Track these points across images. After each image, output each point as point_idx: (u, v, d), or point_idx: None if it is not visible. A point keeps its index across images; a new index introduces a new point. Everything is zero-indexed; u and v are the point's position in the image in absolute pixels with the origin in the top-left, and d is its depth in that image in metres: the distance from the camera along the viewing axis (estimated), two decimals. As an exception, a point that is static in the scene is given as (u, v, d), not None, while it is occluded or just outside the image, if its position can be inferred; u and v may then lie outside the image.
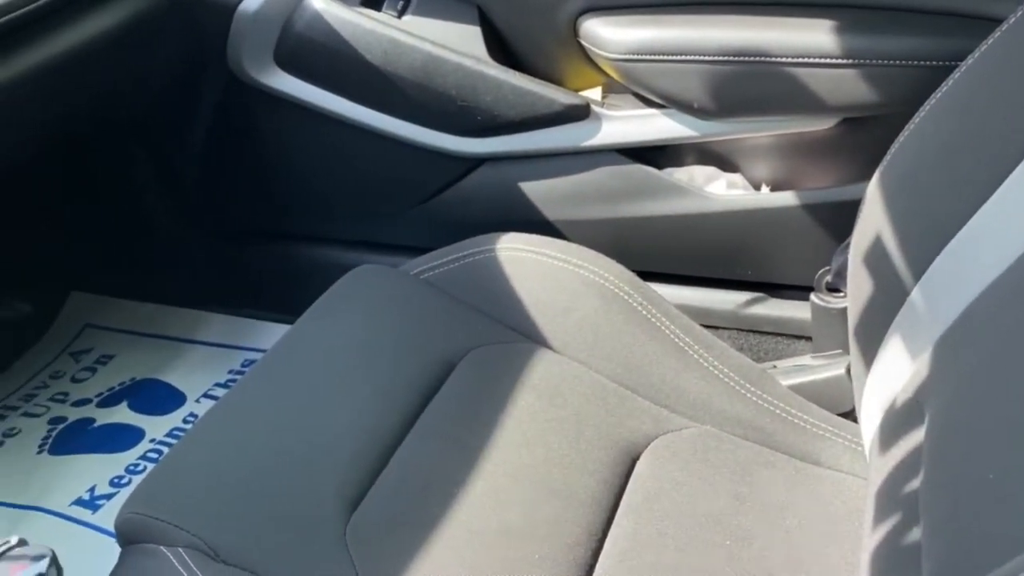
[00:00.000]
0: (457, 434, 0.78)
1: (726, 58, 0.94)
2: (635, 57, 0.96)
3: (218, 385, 1.22)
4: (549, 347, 0.88)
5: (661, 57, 0.96)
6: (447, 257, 0.95)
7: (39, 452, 1.12)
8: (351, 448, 0.75)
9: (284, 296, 1.28)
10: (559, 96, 1.01)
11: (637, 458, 0.80)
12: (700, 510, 0.76)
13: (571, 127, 1.02)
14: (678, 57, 0.96)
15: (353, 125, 1.07)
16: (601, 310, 0.89)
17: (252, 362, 1.26)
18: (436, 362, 0.84)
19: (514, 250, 0.93)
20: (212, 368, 1.24)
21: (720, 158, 1.04)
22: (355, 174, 1.13)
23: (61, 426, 1.17)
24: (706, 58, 0.95)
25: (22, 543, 0.42)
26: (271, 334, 1.28)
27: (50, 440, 1.14)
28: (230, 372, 1.24)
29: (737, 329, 1.07)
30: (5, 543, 0.42)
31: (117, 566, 0.67)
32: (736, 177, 1.04)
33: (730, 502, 0.77)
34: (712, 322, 1.05)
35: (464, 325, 0.89)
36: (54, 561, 0.41)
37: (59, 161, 1.29)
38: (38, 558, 0.41)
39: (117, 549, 0.94)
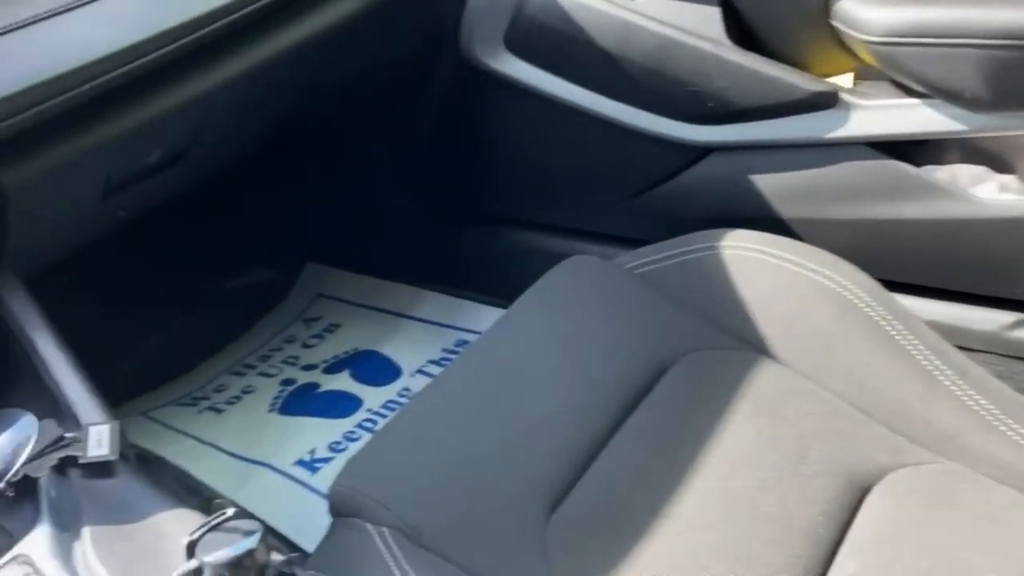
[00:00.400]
0: (667, 442, 0.74)
1: (1008, 42, 0.82)
2: (898, 40, 0.85)
3: (431, 362, 1.25)
4: (773, 357, 0.81)
5: (929, 40, 0.85)
6: (666, 252, 0.90)
7: (270, 411, 1.21)
8: (556, 444, 0.73)
9: (499, 279, 1.29)
10: (803, 82, 0.93)
11: (868, 491, 0.72)
12: (941, 559, 0.67)
13: (815, 116, 0.93)
14: (950, 40, 0.84)
15: (579, 111, 1.04)
16: (836, 321, 0.80)
17: (464, 342, 1.28)
18: (648, 363, 0.80)
19: (741, 248, 0.86)
20: (427, 345, 1.27)
21: (991, 157, 0.91)
22: (577, 161, 1.10)
23: (291, 388, 1.25)
24: (984, 42, 0.82)
25: (237, 515, 0.43)
26: (484, 316, 1.30)
27: (280, 400, 1.23)
28: (443, 350, 1.27)
29: (998, 354, 0.93)
30: (221, 514, 0.43)
31: (326, 537, 0.70)
32: (1010, 179, 0.90)
33: (979, 554, 0.67)
34: (968, 344, 0.93)
35: (680, 326, 0.84)
36: (264, 538, 0.42)
37: (300, 140, 1.38)
38: (249, 533, 0.42)
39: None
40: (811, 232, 0.96)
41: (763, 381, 0.79)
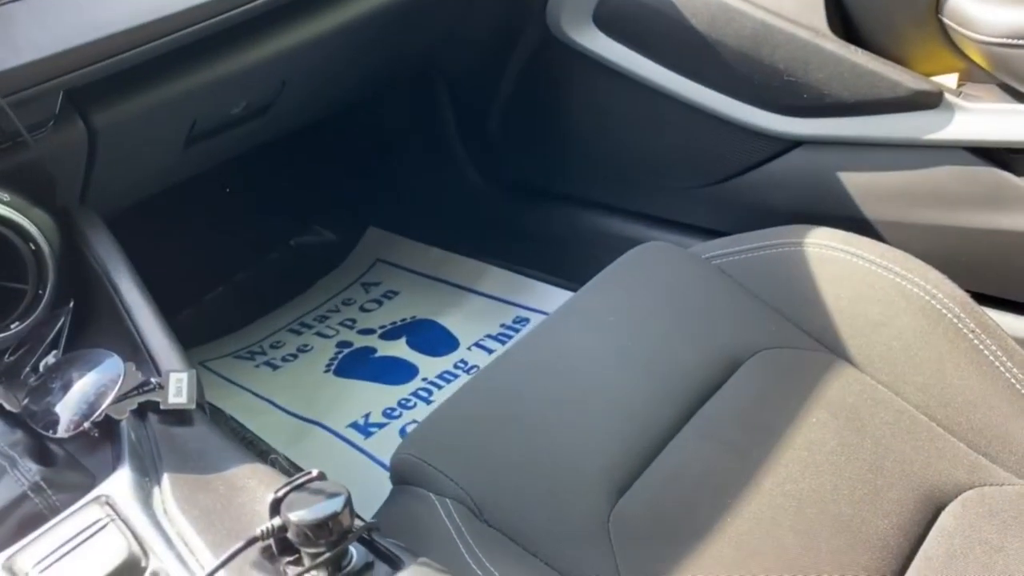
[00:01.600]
0: (737, 439, 0.72)
1: None
2: (1014, 42, 0.81)
3: (489, 337, 1.24)
4: (851, 362, 0.78)
5: (1047, 44, 0.80)
6: (746, 244, 0.87)
7: (326, 371, 1.21)
8: (623, 432, 0.71)
9: (563, 259, 1.28)
10: (906, 79, 0.89)
11: (943, 508, 0.70)
12: (1017, 585, 0.65)
13: (915, 116, 0.89)
14: (1069, 45, 0.80)
15: (664, 93, 1.02)
16: (922, 330, 0.78)
17: (523, 319, 1.26)
18: (721, 357, 0.78)
19: (825, 247, 0.84)
20: (486, 319, 1.26)
21: (1099, 171, 0.86)
22: (658, 145, 1.08)
23: (347, 351, 1.25)
24: (1104, 48, 0.78)
25: (321, 477, 0.43)
26: (545, 295, 1.28)
27: (336, 362, 1.23)
28: (502, 326, 1.26)
29: (1088, 377, 0.89)
30: (307, 474, 0.43)
31: (387, 502, 0.70)
32: (1116, 196, 0.86)
33: (1056, 584, 0.65)
34: (1058, 365, 0.89)
35: (756, 321, 0.82)
36: (348, 503, 0.41)
37: (376, 103, 1.37)
38: (334, 495, 0.41)
39: (381, 475, 1.00)
40: (899, 236, 0.93)
41: (840, 385, 0.76)
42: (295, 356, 1.26)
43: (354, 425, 1.10)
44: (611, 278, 0.87)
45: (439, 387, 1.16)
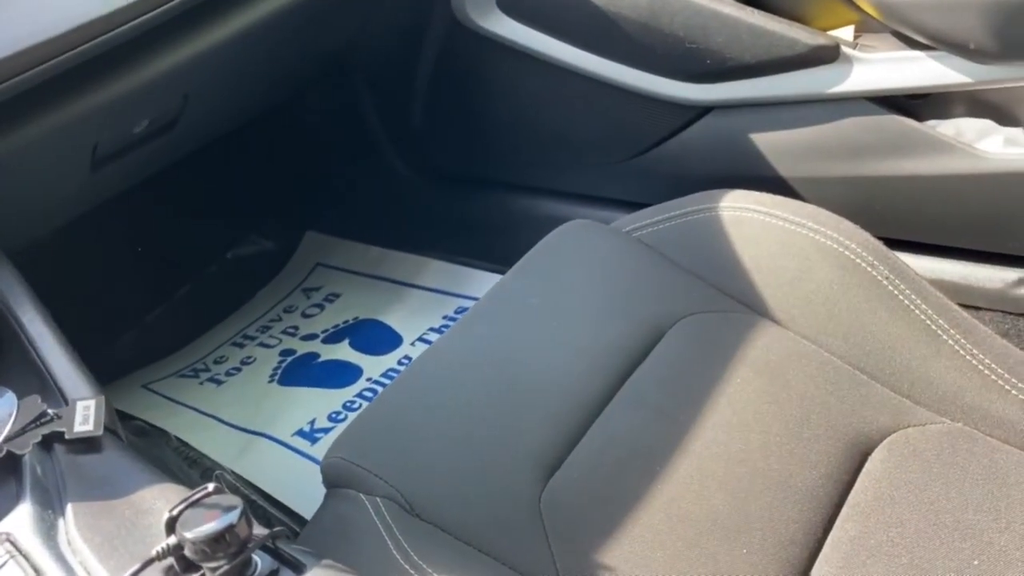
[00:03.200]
0: (664, 406, 0.73)
1: (1017, -12, 0.78)
2: (901, -11, 0.83)
3: (432, 330, 1.24)
4: (773, 320, 0.79)
5: (934, -11, 0.82)
6: (664, 215, 0.88)
7: (270, 381, 1.20)
8: (551, 410, 0.72)
9: (496, 245, 1.28)
10: (803, 36, 0.90)
11: (869, 453, 0.71)
12: (944, 520, 0.66)
13: (815, 71, 0.90)
14: (955, -11, 0.81)
15: (573, 71, 1.02)
16: (838, 281, 0.79)
17: (465, 309, 1.26)
18: (645, 327, 0.79)
19: (740, 209, 0.85)
20: (428, 313, 1.26)
21: (997, 110, 0.88)
22: (574, 123, 1.08)
23: (290, 359, 1.24)
24: (990, -11, 0.79)
25: (217, 491, 0.43)
26: (485, 283, 1.28)
27: (280, 371, 1.22)
28: (444, 318, 1.26)
29: (1003, 312, 0.91)
30: (202, 489, 0.43)
31: (320, 508, 0.70)
32: (1016, 132, 0.88)
33: (983, 515, 0.66)
34: (973, 302, 0.91)
35: (678, 289, 0.83)
36: (244, 513, 0.41)
37: (295, 107, 1.36)
38: (230, 508, 0.41)
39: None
40: (813, 191, 0.94)
41: (763, 343, 0.77)
42: (239, 369, 1.25)
43: (300, 432, 1.10)
44: (533, 260, 0.87)
45: (383, 385, 1.15)
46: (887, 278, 0.79)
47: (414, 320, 1.27)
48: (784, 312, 0.80)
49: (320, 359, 1.22)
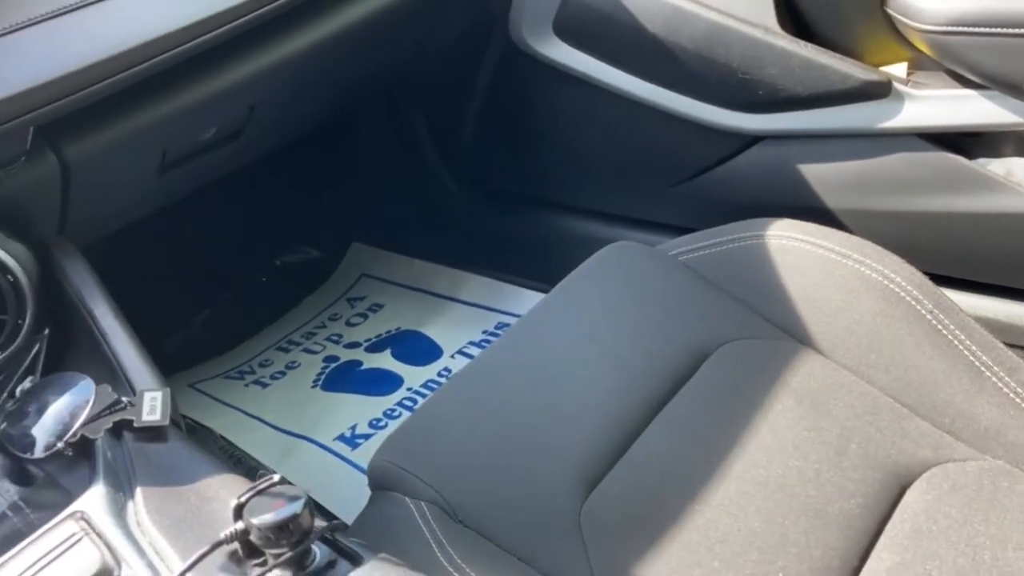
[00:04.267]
0: (704, 430, 0.74)
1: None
2: (956, 29, 0.84)
3: (472, 344, 1.26)
4: (815, 349, 0.80)
5: (986, 30, 0.83)
6: (710, 240, 0.89)
7: (313, 386, 1.23)
8: (593, 427, 0.73)
9: (541, 263, 1.30)
10: (856, 71, 0.91)
11: (908, 486, 0.72)
12: (983, 557, 0.66)
13: (867, 106, 0.91)
14: (1008, 30, 0.82)
15: (626, 97, 1.04)
16: (882, 314, 0.79)
17: (505, 325, 1.28)
18: (688, 350, 0.80)
19: (786, 238, 0.86)
20: (468, 327, 1.28)
21: (1049, 150, 0.88)
22: (622, 147, 1.10)
23: (333, 365, 1.27)
24: (1044, 31, 0.80)
25: (283, 482, 0.45)
26: (526, 300, 1.30)
27: (323, 376, 1.25)
28: (484, 332, 1.28)
29: (1049, 352, 0.91)
30: (268, 479, 0.45)
31: (365, 509, 0.72)
32: (1068, 173, 0.88)
33: (1020, 553, 0.66)
34: (1018, 341, 0.91)
35: (722, 314, 0.84)
36: (308, 504, 0.43)
37: (349, 121, 1.39)
38: (294, 499, 0.43)
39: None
40: (859, 224, 0.95)
41: (805, 372, 0.78)
42: (283, 373, 1.28)
43: (341, 437, 1.12)
44: (579, 279, 0.89)
45: (423, 396, 1.18)
46: (931, 313, 0.79)
47: (455, 333, 1.29)
48: (826, 342, 0.81)
49: (363, 367, 1.25)
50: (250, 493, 0.45)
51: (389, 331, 1.32)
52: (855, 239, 0.84)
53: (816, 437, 0.73)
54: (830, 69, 0.91)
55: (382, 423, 1.14)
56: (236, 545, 0.45)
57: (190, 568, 0.43)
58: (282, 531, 0.43)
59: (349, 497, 0.94)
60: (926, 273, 0.82)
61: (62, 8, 0.74)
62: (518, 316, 1.30)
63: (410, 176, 1.41)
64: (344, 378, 1.24)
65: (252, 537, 0.44)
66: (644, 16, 0.98)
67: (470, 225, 1.39)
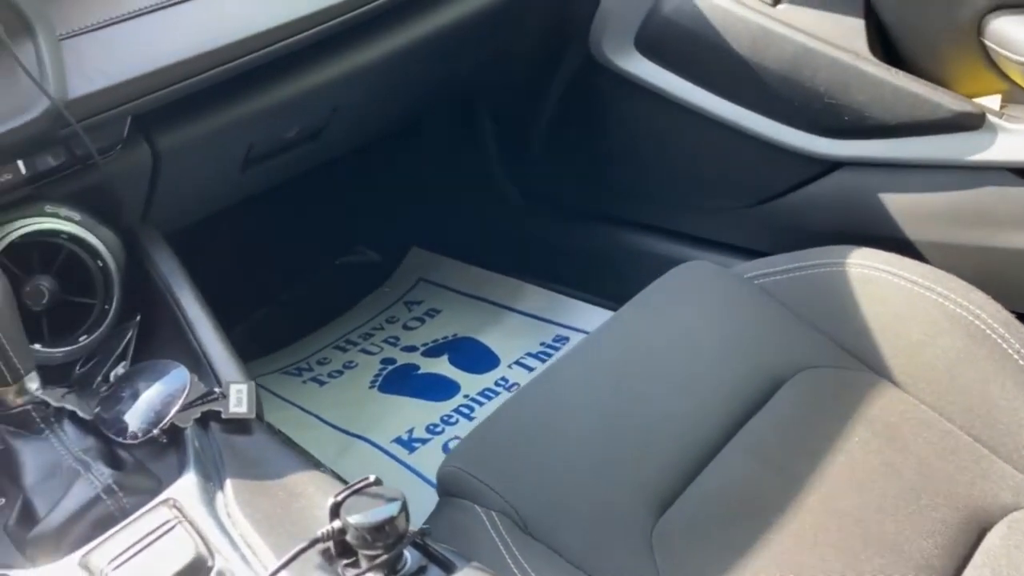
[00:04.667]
0: (779, 457, 0.73)
1: None
2: (1057, 63, 0.82)
3: (529, 355, 1.26)
4: (893, 382, 0.79)
5: (1090, 64, 0.81)
6: (789, 264, 0.88)
7: (370, 387, 1.24)
8: (667, 448, 0.73)
9: (602, 278, 1.29)
10: (948, 101, 0.89)
11: (988, 529, 0.70)
12: (1065, 608, 0.64)
13: (957, 137, 0.89)
14: (1112, 66, 0.80)
15: (705, 116, 1.03)
16: (965, 350, 0.78)
17: (563, 338, 1.28)
18: (763, 375, 0.79)
19: (868, 267, 0.84)
20: (526, 337, 1.28)
21: None
22: (699, 166, 1.09)
23: (391, 367, 1.27)
24: None
25: (378, 482, 0.45)
26: (584, 313, 1.30)
27: (380, 378, 1.26)
28: (542, 344, 1.27)
29: None
30: (364, 480, 0.45)
31: (434, 513, 0.71)
32: None
33: (1106, 608, 0.64)
34: (1106, 387, 0.88)
35: (798, 340, 0.82)
36: (404, 507, 0.43)
37: (419, 126, 1.40)
38: (391, 500, 0.43)
39: (425, 489, 1.02)
40: (942, 257, 0.93)
41: (883, 405, 0.77)
42: (341, 372, 1.29)
43: (398, 440, 1.12)
44: (654, 296, 0.88)
45: (480, 404, 1.17)
46: (1018, 352, 0.77)
47: (512, 343, 1.29)
48: (906, 375, 0.79)
49: (420, 371, 1.25)
50: (347, 492, 0.45)
51: (446, 337, 1.32)
52: (939, 272, 0.83)
53: (893, 473, 0.72)
54: (921, 98, 0.90)
55: (439, 428, 1.14)
56: (330, 544, 0.45)
57: (286, 564, 0.43)
58: (379, 532, 0.43)
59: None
60: (1012, 312, 0.79)
61: (162, 3, 0.75)
62: (577, 329, 1.30)
63: (474, 183, 1.41)
64: (401, 381, 1.24)
65: (348, 537, 0.44)
66: (731, 35, 0.97)
67: (530, 235, 1.39)
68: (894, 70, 0.91)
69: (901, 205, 0.95)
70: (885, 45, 0.95)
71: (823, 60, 0.93)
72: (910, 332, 0.80)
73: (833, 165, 0.99)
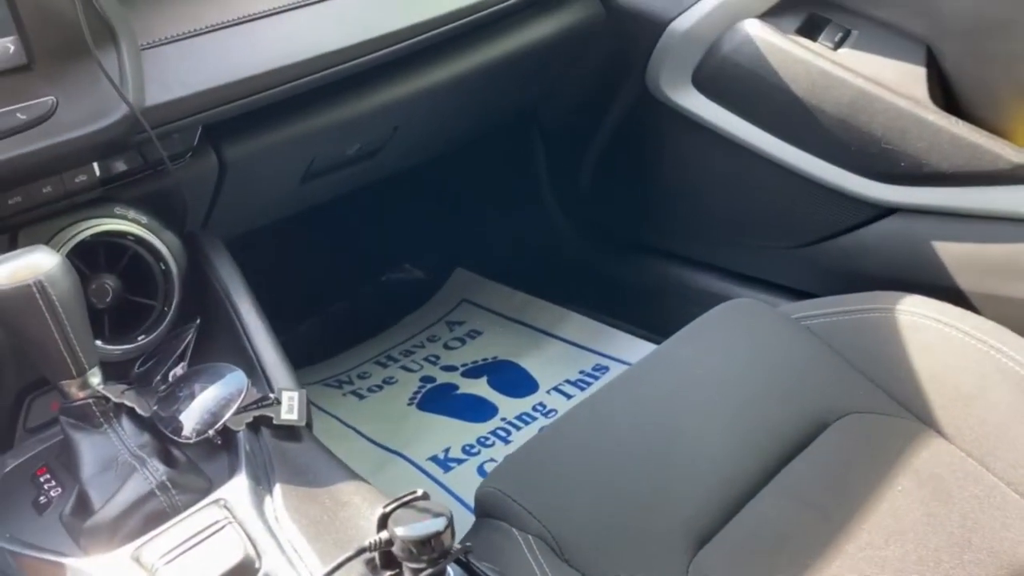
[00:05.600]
0: (820, 500, 0.72)
1: None
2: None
3: (568, 382, 1.26)
4: (940, 432, 0.78)
5: None
6: (838, 307, 0.88)
7: (409, 404, 1.25)
8: (707, 483, 0.72)
9: (646, 310, 1.29)
10: (1008, 152, 0.89)
11: (1034, 589, 0.68)
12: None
13: (1015, 189, 0.89)
14: None
15: (760, 155, 1.03)
16: (1016, 406, 0.76)
17: (603, 367, 1.28)
18: (808, 417, 0.79)
19: (919, 315, 0.83)
20: (566, 364, 1.29)
21: None
22: (750, 204, 1.09)
23: (430, 386, 1.29)
24: None
25: (425, 496, 0.46)
26: (626, 344, 1.30)
27: (419, 396, 1.27)
28: (581, 372, 1.28)
29: None
30: (412, 493, 0.46)
31: (471, 533, 0.72)
32: None
33: None
34: None
35: (844, 384, 0.82)
36: (451, 523, 0.44)
37: (473, 149, 1.42)
38: (438, 515, 0.44)
39: (460, 510, 1.03)
40: (993, 309, 0.92)
41: (928, 455, 0.76)
42: (380, 387, 1.30)
43: (434, 459, 1.13)
44: (699, 331, 0.88)
45: (517, 428, 1.18)
46: (1070, 411, 0.76)
47: (551, 369, 1.29)
48: (953, 427, 0.78)
49: (458, 391, 1.26)
50: (395, 504, 0.46)
51: (486, 359, 1.33)
52: (991, 324, 0.82)
53: (936, 524, 0.71)
54: (980, 148, 0.89)
55: (475, 450, 1.14)
56: (375, 554, 0.46)
57: (333, 572, 0.44)
58: (424, 546, 0.44)
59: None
60: (1066, 369, 0.78)
61: (239, 18, 0.78)
62: (617, 359, 1.30)
63: (522, 208, 1.42)
64: (440, 400, 1.25)
65: (394, 549, 0.45)
66: (789, 76, 0.97)
67: (575, 263, 1.39)
68: (953, 119, 0.91)
69: (954, 254, 0.94)
70: (946, 94, 0.95)
71: (881, 105, 0.93)
72: (960, 383, 0.79)
73: (887, 210, 0.98)
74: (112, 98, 0.66)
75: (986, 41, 0.91)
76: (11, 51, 0.63)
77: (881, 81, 0.94)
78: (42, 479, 0.58)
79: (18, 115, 0.62)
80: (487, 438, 1.16)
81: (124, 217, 0.73)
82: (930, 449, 0.76)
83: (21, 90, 0.63)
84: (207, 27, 0.76)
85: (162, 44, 0.73)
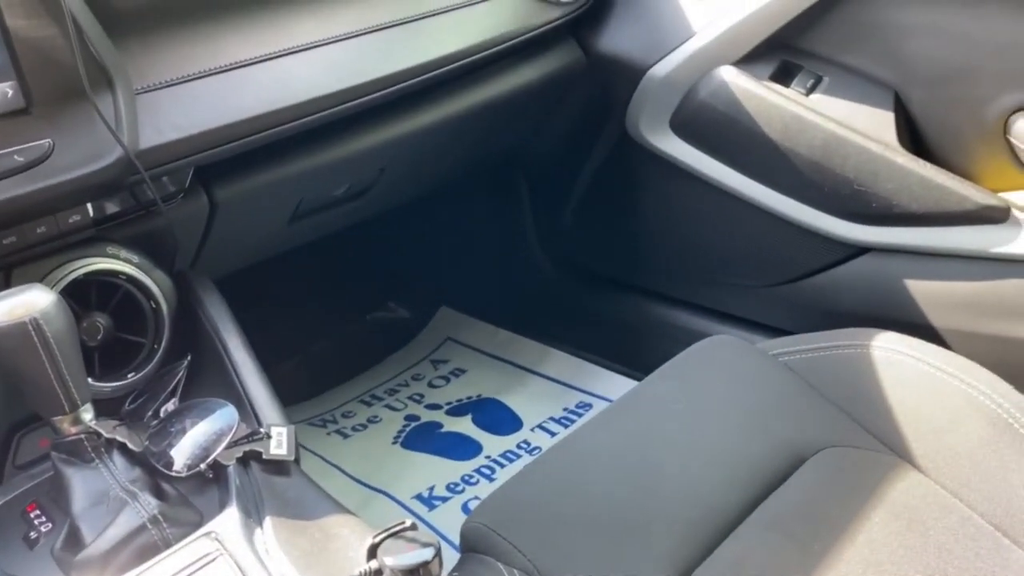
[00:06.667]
0: (799, 534, 0.73)
1: None
2: (1081, 163, 0.85)
3: (552, 419, 1.27)
4: (915, 465, 0.79)
5: (1114, 166, 0.83)
6: (814, 344, 0.90)
7: (393, 443, 1.26)
8: (687, 516, 0.74)
9: (628, 347, 1.31)
10: (974, 194, 0.92)
11: (1008, 619, 0.69)
12: None
13: (982, 229, 0.92)
14: None
15: (736, 196, 1.07)
16: (988, 439, 0.78)
17: (586, 404, 1.29)
18: (786, 451, 0.80)
19: (893, 351, 0.86)
20: (550, 402, 1.30)
21: None
22: (728, 244, 1.12)
23: (414, 424, 1.29)
24: None
25: (413, 527, 0.47)
26: (608, 381, 1.31)
27: (403, 434, 1.27)
28: (565, 409, 1.29)
29: None
30: (400, 524, 0.47)
31: (457, 568, 0.72)
32: None
33: None
34: None
35: (822, 419, 0.84)
36: (438, 553, 0.45)
37: (456, 189, 1.45)
38: (426, 545, 0.45)
39: (444, 548, 1.03)
40: (964, 344, 0.95)
41: (903, 488, 0.77)
42: (365, 426, 1.31)
43: (419, 497, 1.13)
44: (679, 368, 0.90)
45: (502, 465, 1.19)
46: (1040, 443, 0.78)
47: (535, 407, 1.31)
48: (927, 460, 0.80)
49: (443, 429, 1.27)
50: (385, 534, 0.47)
51: (470, 397, 1.34)
52: (963, 360, 0.84)
53: (913, 556, 0.72)
54: (948, 190, 0.93)
55: (459, 488, 1.15)
56: (365, 583, 0.47)
57: (323, 600, 0.45)
58: (413, 575, 0.45)
59: (424, 557, 0.95)
60: (1035, 404, 0.81)
61: (233, 64, 0.80)
62: (600, 397, 1.31)
63: (507, 248, 1.45)
64: (424, 438, 1.26)
65: (384, 577, 0.46)
66: (764, 121, 1.01)
67: (559, 302, 1.41)
68: (922, 161, 0.94)
69: (925, 292, 0.97)
70: (914, 137, 0.98)
71: (853, 148, 0.96)
72: (933, 417, 0.81)
73: (860, 250, 1.01)
74: (107, 141, 0.68)
75: (950, 87, 0.95)
76: (9, 95, 0.65)
77: (852, 125, 0.98)
78: (32, 515, 0.59)
79: (15, 157, 0.64)
80: (471, 476, 1.17)
81: (116, 256, 0.74)
82: (906, 482, 0.78)
83: (19, 133, 0.64)
84: (200, 72, 0.78)
85: (156, 89, 0.75)
